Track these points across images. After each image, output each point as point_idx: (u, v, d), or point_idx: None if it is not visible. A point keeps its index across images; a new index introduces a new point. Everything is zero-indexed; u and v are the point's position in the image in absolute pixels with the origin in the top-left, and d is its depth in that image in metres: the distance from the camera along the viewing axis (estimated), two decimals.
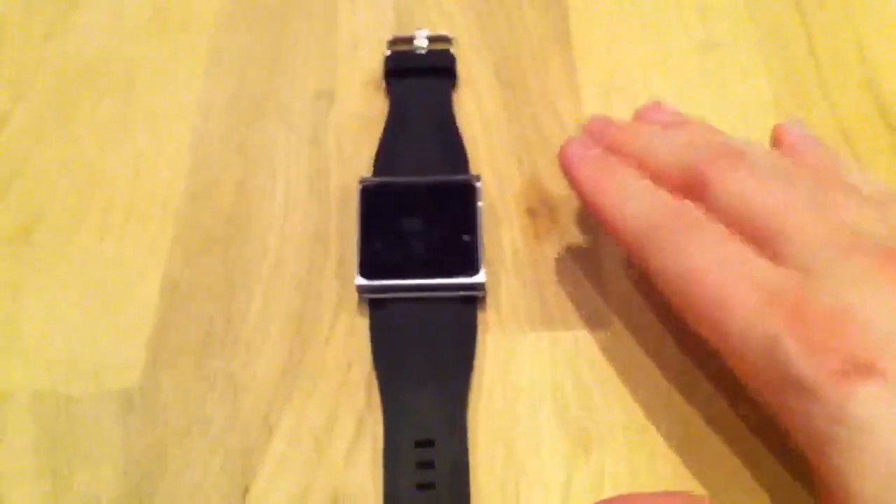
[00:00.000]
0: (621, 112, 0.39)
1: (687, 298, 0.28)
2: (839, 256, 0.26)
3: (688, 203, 0.30)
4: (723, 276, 0.27)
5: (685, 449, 0.31)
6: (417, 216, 0.35)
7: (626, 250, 0.31)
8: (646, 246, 0.30)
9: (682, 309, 0.29)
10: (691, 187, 0.30)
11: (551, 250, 0.36)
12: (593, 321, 0.34)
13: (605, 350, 0.33)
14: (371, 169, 0.37)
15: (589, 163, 0.33)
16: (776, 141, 0.34)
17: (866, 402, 0.24)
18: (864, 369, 0.24)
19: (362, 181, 0.36)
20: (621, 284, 0.35)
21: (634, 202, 0.30)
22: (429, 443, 0.30)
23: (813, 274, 0.26)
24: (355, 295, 0.34)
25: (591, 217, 0.36)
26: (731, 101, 0.40)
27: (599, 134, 0.34)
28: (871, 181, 0.32)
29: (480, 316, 0.34)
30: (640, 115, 0.35)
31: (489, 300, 0.34)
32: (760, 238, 0.28)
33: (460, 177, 0.36)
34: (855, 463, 0.23)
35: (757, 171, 0.30)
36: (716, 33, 0.42)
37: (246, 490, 0.30)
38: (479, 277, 0.33)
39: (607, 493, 0.30)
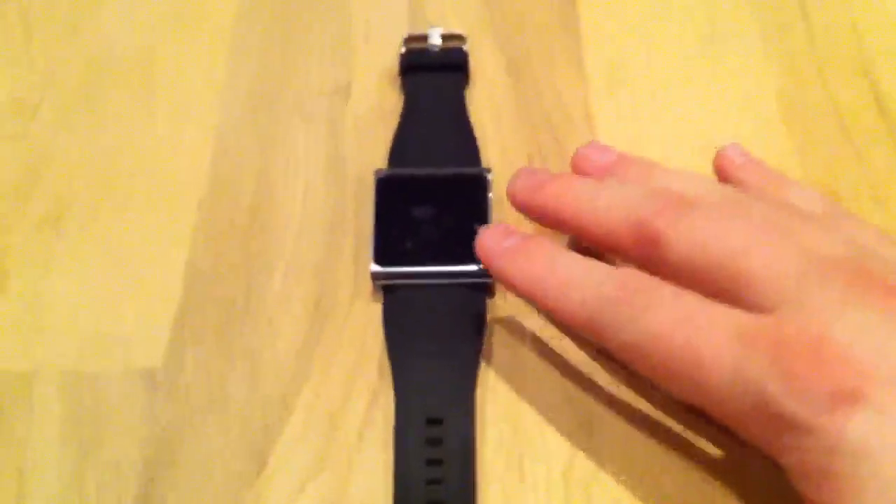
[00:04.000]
0: (626, 103, 0.41)
1: (658, 366, 0.27)
2: (811, 286, 0.26)
3: (630, 269, 0.29)
4: (690, 334, 0.26)
5: (691, 433, 0.32)
6: (431, 206, 0.36)
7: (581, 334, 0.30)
8: (601, 327, 0.29)
9: (657, 378, 0.28)
10: (643, 246, 0.29)
11: (560, 240, 0.36)
12: None
13: None
14: (386, 160, 0.39)
15: (512, 255, 0.31)
16: (718, 169, 0.34)
17: (861, 430, 0.23)
18: (852, 397, 0.23)
19: (378, 172, 0.37)
20: None
21: (574, 287, 0.29)
22: (438, 421, 0.32)
23: (786, 309, 0.26)
24: (370, 281, 0.35)
25: None
26: (733, 91, 0.41)
27: (531, 194, 0.33)
28: (812, 196, 0.32)
29: (490, 302, 0.35)
30: (577, 161, 0.34)
31: (499, 287, 0.35)
32: (726, 283, 0.27)
33: (472, 169, 0.37)
34: (857, 493, 0.23)
35: (708, 213, 0.29)
36: (720, 24, 0.43)
37: (263, 464, 0.32)
38: None
39: (609, 473, 0.31)
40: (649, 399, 0.33)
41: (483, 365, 0.33)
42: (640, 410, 0.32)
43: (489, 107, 0.41)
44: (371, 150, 0.39)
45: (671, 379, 0.27)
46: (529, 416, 0.33)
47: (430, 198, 0.36)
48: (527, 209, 0.33)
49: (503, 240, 0.32)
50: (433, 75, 0.41)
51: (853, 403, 0.23)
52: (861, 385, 0.24)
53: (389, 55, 0.43)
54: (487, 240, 0.32)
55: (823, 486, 0.24)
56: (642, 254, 0.29)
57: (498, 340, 0.34)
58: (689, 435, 0.32)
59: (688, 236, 0.28)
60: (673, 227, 0.28)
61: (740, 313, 0.26)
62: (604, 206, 0.31)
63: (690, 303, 0.27)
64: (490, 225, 0.34)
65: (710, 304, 0.27)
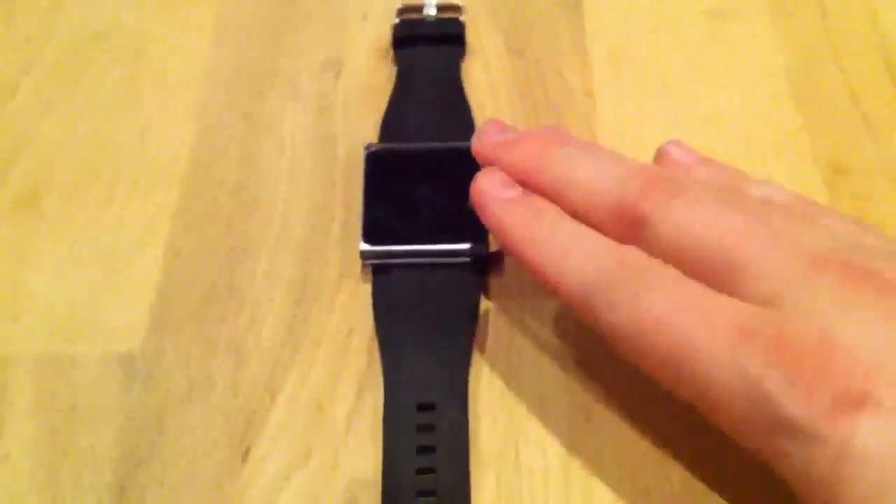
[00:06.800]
0: (630, 80, 0.39)
1: (650, 353, 0.26)
2: (809, 281, 0.24)
3: (634, 248, 0.27)
4: (687, 322, 0.25)
5: (687, 417, 0.30)
6: (423, 182, 0.35)
7: (569, 307, 0.28)
8: (594, 303, 0.27)
9: (647, 365, 0.26)
10: (626, 225, 0.27)
11: None
12: None
13: None
14: (378, 136, 0.37)
15: (512, 208, 0.29)
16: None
17: (869, 435, 0.22)
18: (859, 400, 0.22)
19: (368, 147, 0.36)
20: None
21: (574, 256, 0.27)
22: (430, 406, 0.30)
23: (785, 304, 0.24)
24: (359, 261, 0.34)
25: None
26: (740, 69, 0.40)
27: (501, 153, 0.31)
28: (777, 189, 0.30)
29: (484, 283, 0.34)
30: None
31: (493, 267, 0.34)
32: (717, 273, 0.25)
33: (467, 143, 0.36)
34: (869, 501, 0.22)
35: (698, 196, 0.27)
36: (726, 0, 0.42)
37: (246, 452, 0.30)
38: (483, 244, 0.33)
39: (608, 458, 0.30)
40: (652, 382, 0.31)
41: (477, 348, 0.32)
42: (640, 395, 0.31)
43: (487, 81, 0.40)
44: (362, 127, 0.38)
45: (663, 367, 0.26)
46: (525, 401, 0.31)
47: (422, 173, 0.35)
48: (495, 166, 0.31)
49: (504, 188, 0.30)
50: (427, 47, 0.40)
51: (860, 407, 0.22)
52: (868, 387, 0.22)
53: (384, 30, 0.41)
54: (487, 183, 0.30)
55: (827, 495, 0.23)
56: (624, 233, 0.27)
57: (493, 322, 0.33)
58: (692, 422, 0.30)
59: (675, 220, 0.27)
60: (659, 210, 0.27)
61: (743, 305, 0.25)
62: (584, 177, 0.29)
63: (691, 289, 0.25)
64: (488, 171, 0.31)
65: (713, 293, 0.25)
